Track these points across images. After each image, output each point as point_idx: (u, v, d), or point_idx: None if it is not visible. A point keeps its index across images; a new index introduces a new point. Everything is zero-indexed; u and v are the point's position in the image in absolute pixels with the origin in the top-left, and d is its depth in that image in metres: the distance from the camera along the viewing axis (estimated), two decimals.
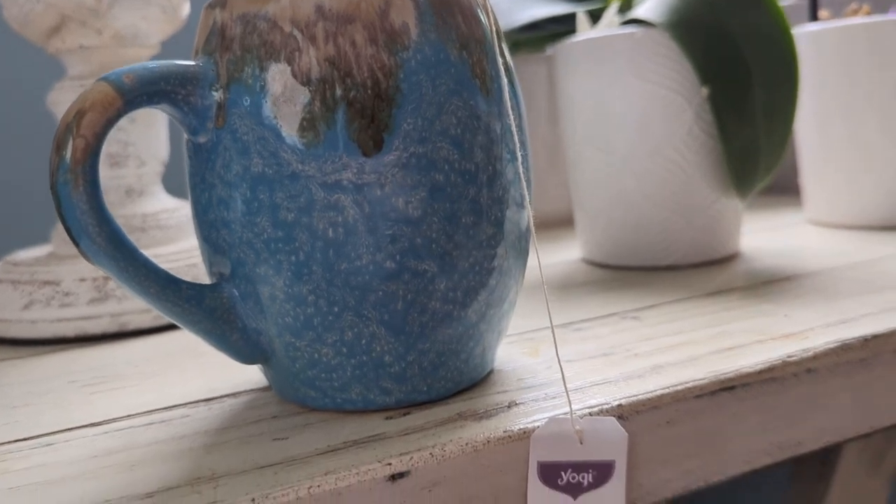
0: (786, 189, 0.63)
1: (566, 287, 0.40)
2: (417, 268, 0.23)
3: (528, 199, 0.25)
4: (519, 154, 0.25)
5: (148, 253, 0.40)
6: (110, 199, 0.42)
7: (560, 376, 0.27)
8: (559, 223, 0.60)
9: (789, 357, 0.27)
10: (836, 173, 0.49)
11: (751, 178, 0.41)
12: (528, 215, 0.26)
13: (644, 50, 0.40)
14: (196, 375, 0.31)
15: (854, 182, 0.49)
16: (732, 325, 0.31)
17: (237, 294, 0.24)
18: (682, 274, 0.41)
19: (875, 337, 0.29)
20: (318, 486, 0.21)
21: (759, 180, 0.41)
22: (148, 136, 0.42)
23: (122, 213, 0.42)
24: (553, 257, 0.48)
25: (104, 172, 0.42)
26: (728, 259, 0.43)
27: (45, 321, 0.38)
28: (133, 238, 0.41)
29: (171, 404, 0.28)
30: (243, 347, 0.25)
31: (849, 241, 0.46)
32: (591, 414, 0.24)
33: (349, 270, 0.23)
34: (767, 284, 0.37)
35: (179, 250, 0.41)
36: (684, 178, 0.41)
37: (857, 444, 0.56)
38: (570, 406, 0.24)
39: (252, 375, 0.30)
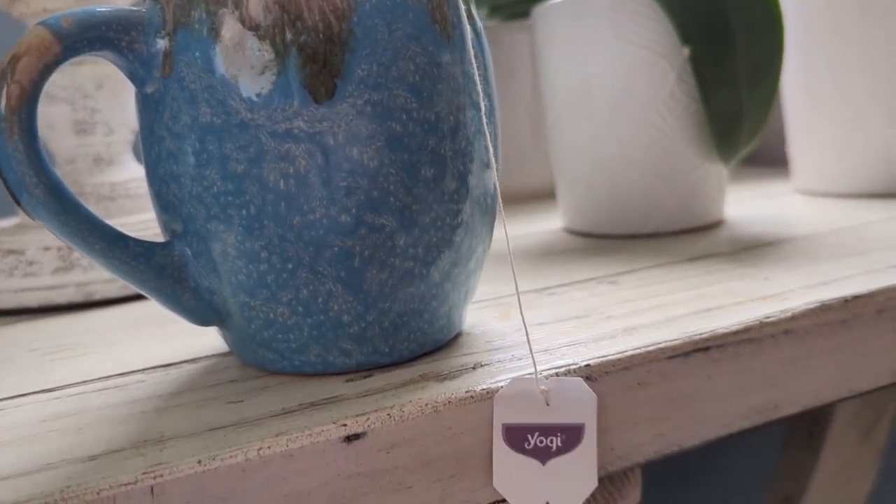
0: (774, 161, 0.62)
1: (545, 255, 0.39)
2: (375, 222, 0.22)
3: (492, 153, 0.24)
4: (483, 105, 0.24)
5: (117, 222, 0.39)
6: (78, 167, 0.41)
7: (533, 338, 0.26)
8: (543, 196, 0.59)
9: (767, 318, 0.27)
10: (824, 140, 0.48)
11: (734, 143, 0.40)
12: (495, 170, 0.25)
13: (624, 10, 0.39)
14: (159, 343, 0.30)
15: (842, 149, 0.48)
16: (711, 289, 0.30)
17: (189, 252, 0.23)
18: (664, 241, 0.40)
19: (856, 298, 0.28)
20: (269, 447, 0.20)
21: (743, 145, 0.40)
22: (116, 103, 0.41)
23: (90, 182, 0.41)
24: (534, 227, 0.47)
25: (71, 140, 0.40)
26: (712, 226, 0.42)
27: (8, 291, 0.37)
28: (101, 208, 0.40)
29: (128, 370, 0.27)
30: (196, 308, 0.24)
31: (835, 208, 0.45)
32: (558, 375, 0.23)
33: (302, 225, 0.22)
34: (750, 249, 0.37)
35: (149, 219, 0.40)
36: (666, 142, 0.40)
37: (847, 414, 0.55)
38: (535, 365, 0.23)
39: (215, 341, 0.29)
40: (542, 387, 0.23)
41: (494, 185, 0.25)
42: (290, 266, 0.22)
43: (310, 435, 0.21)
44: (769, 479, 0.56)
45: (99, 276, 0.37)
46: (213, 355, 0.28)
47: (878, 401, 0.56)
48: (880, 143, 0.47)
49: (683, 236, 0.41)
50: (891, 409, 0.57)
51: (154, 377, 0.26)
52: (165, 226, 0.24)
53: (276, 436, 0.21)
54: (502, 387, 0.23)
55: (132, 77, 0.23)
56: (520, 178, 0.59)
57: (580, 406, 0.23)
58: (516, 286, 0.23)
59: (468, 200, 0.24)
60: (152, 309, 0.36)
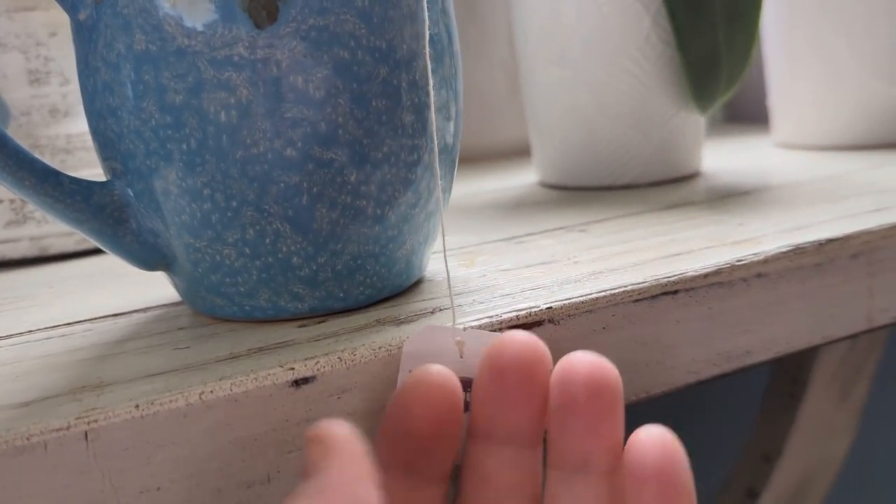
0: (756, 118, 0.61)
1: (517, 207, 0.38)
2: (323, 157, 0.21)
3: (453, 86, 0.23)
4: (445, 37, 0.23)
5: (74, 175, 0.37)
6: (33, 119, 0.39)
7: (496, 283, 0.25)
8: (520, 152, 0.58)
9: (738, 261, 0.26)
10: (805, 92, 0.47)
11: (712, 91, 0.39)
12: (455, 103, 0.24)
13: None
14: (112, 295, 0.29)
15: (822, 101, 0.47)
16: (683, 234, 0.29)
17: (130, 191, 0.22)
18: (640, 191, 0.39)
19: (830, 241, 0.27)
20: (212, 391, 0.19)
21: (720, 93, 0.39)
22: (71, 51, 0.39)
23: (45, 133, 0.39)
24: (509, 182, 0.46)
25: (25, 91, 0.39)
26: (688, 177, 0.41)
27: None
28: (58, 160, 0.39)
29: (75, 320, 0.26)
30: (139, 250, 0.23)
31: (815, 160, 0.44)
32: (517, 317, 0.22)
33: (246, 159, 0.21)
34: (726, 198, 0.36)
35: None
36: (642, 90, 0.39)
37: (825, 374, 0.55)
38: (454, 314, 0.22)
39: (169, 292, 0.28)
40: (458, 338, 0.21)
41: (457, 117, 0.24)
42: (234, 204, 0.21)
43: (255, 379, 0.20)
44: (747, 437, 0.56)
45: (54, 230, 0.36)
46: (165, 305, 0.27)
47: (857, 360, 0.56)
48: (861, 95, 0.46)
49: (659, 187, 0.40)
50: (869, 369, 0.56)
51: (101, 326, 0.25)
52: (105, 164, 0.23)
53: (220, 380, 0.20)
54: (409, 337, 0.21)
55: (63, 3, 0.21)
56: (497, 134, 0.58)
57: None
58: (441, 217, 0.22)
59: (425, 136, 0.23)
60: (109, 263, 0.35)
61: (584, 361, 0.20)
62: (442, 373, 0.19)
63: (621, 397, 0.20)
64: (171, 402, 0.19)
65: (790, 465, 0.57)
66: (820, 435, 0.57)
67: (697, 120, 0.41)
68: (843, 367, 0.55)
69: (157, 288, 0.29)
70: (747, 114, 0.63)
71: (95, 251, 0.37)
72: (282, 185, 0.21)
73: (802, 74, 0.47)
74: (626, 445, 0.20)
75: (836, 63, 0.46)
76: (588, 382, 0.19)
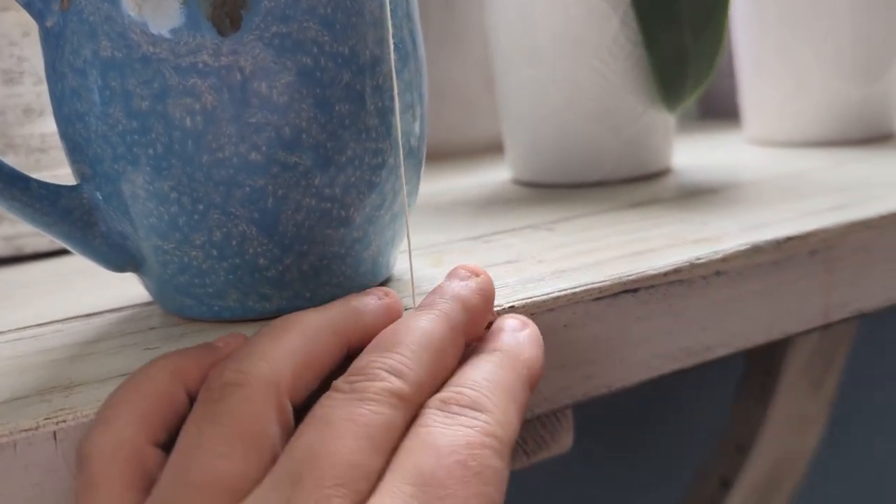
0: (727, 114, 0.62)
1: (487, 205, 0.39)
2: (287, 160, 0.21)
3: (418, 91, 0.24)
4: (409, 42, 0.23)
5: (48, 174, 0.38)
6: (8, 119, 0.40)
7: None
8: (495, 148, 0.58)
9: (698, 259, 0.26)
10: (775, 89, 0.48)
11: (679, 90, 0.40)
12: (420, 105, 0.24)
13: None
14: (85, 294, 0.29)
15: (792, 98, 0.48)
16: (647, 233, 0.30)
17: (98, 195, 0.23)
18: (609, 189, 0.40)
19: (789, 239, 0.28)
20: None
21: (688, 92, 0.40)
22: None
23: (20, 133, 0.39)
24: (481, 178, 0.47)
25: None
26: (658, 175, 0.42)
27: None
28: (33, 159, 0.39)
29: (46, 321, 0.26)
30: (109, 253, 0.23)
31: (784, 157, 0.45)
32: None
33: (211, 163, 0.21)
34: (694, 196, 0.36)
35: None
36: (611, 89, 0.39)
37: (798, 366, 0.56)
38: (414, 300, 0.22)
39: (142, 291, 0.29)
40: None
41: (421, 120, 0.24)
42: (201, 207, 0.21)
43: None
44: (721, 428, 0.57)
45: (28, 230, 0.36)
46: (137, 305, 0.27)
47: (828, 352, 0.57)
48: (830, 92, 0.47)
49: (630, 184, 0.40)
50: (840, 360, 0.57)
51: (72, 327, 0.26)
52: (74, 168, 0.23)
53: None
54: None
55: (30, 10, 0.22)
56: (473, 130, 0.58)
57: None
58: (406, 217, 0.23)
59: (389, 139, 0.23)
60: (84, 263, 0.35)
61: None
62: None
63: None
64: None
65: (763, 456, 0.58)
66: (792, 426, 0.58)
67: (667, 118, 0.41)
68: (815, 359, 0.56)
69: (130, 287, 0.29)
70: (720, 110, 0.64)
71: (70, 251, 0.37)
72: (247, 188, 0.21)
73: (769, 74, 0.48)
74: None
75: (801, 64, 0.47)
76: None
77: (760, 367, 0.56)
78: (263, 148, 0.21)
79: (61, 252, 0.37)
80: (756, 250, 0.27)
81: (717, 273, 0.27)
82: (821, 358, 0.57)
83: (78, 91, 0.21)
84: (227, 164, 0.21)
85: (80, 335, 0.25)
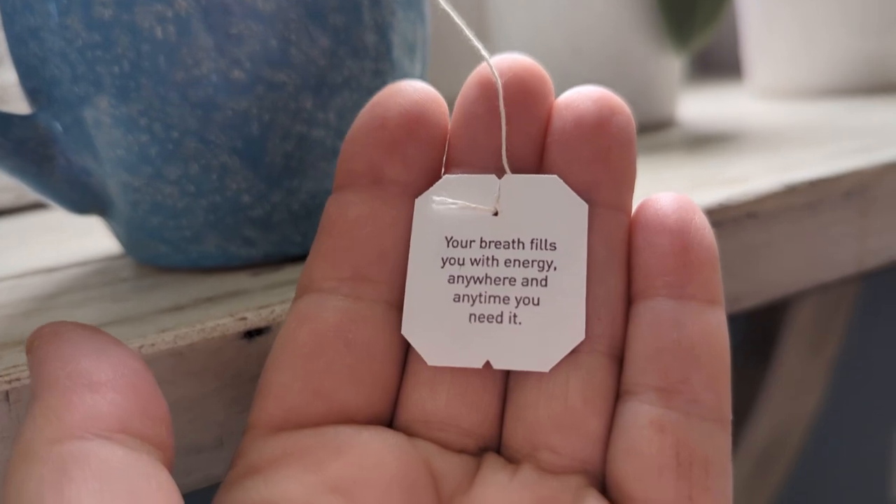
0: (728, 69, 0.60)
1: None
2: (274, 79, 0.18)
3: (422, 9, 0.21)
4: None
5: None
6: None
7: None
8: None
9: (729, 200, 0.24)
10: (781, 38, 0.46)
11: (687, 30, 0.37)
12: (422, 27, 0.21)
13: None
14: (46, 249, 0.27)
15: (798, 49, 0.45)
16: (666, 174, 0.28)
17: (58, 125, 0.20)
18: None
19: (822, 180, 0.26)
20: (152, 345, 0.17)
21: (696, 32, 0.37)
22: None
23: None
24: None
25: None
26: (664, 124, 0.40)
27: None
28: None
29: (2, 276, 0.24)
30: (69, 191, 0.20)
31: (795, 107, 0.43)
32: None
33: (187, 82, 0.18)
34: (707, 142, 0.34)
35: None
36: (616, 34, 0.37)
37: (797, 329, 0.54)
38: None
39: (112, 245, 0.26)
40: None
41: (425, 39, 0.21)
42: (175, 135, 0.19)
43: (202, 330, 0.18)
44: None
45: None
46: (106, 258, 0.24)
47: (828, 314, 0.55)
48: (840, 40, 0.44)
49: (639, 134, 0.38)
50: (840, 324, 0.56)
51: (32, 282, 0.23)
52: (29, 95, 0.20)
53: (162, 332, 0.17)
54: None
55: None
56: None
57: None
58: None
59: (389, 60, 0.20)
60: (51, 218, 0.32)
61: (593, 90, 0.17)
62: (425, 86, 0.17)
63: (634, 133, 0.17)
64: None
65: (762, 422, 0.57)
66: (792, 390, 0.56)
67: (673, 65, 0.39)
68: (815, 322, 0.55)
69: (100, 241, 0.27)
70: (719, 66, 0.62)
71: (38, 206, 0.34)
72: (228, 112, 0.18)
73: (778, 23, 0.46)
74: (638, 206, 0.17)
75: (811, 12, 0.44)
76: (599, 107, 0.16)
77: (759, 331, 0.54)
78: (246, 64, 0.18)
79: (27, 208, 0.34)
80: (790, 191, 0.25)
81: (749, 215, 0.24)
82: (821, 321, 0.55)
83: (30, 2, 0.18)
84: (205, 84, 0.18)
85: (40, 290, 0.22)
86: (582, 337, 0.16)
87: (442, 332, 0.16)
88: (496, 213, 0.16)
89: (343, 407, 0.15)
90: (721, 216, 0.24)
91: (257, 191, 0.19)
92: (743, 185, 0.25)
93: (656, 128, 0.39)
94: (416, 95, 0.16)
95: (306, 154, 0.19)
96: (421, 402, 0.16)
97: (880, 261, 0.28)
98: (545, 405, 0.16)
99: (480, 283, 0.16)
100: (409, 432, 0.16)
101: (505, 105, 0.16)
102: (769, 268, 0.25)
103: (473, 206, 0.16)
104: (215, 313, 0.18)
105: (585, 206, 0.16)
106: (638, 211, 0.17)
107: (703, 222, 0.16)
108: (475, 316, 0.16)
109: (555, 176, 0.16)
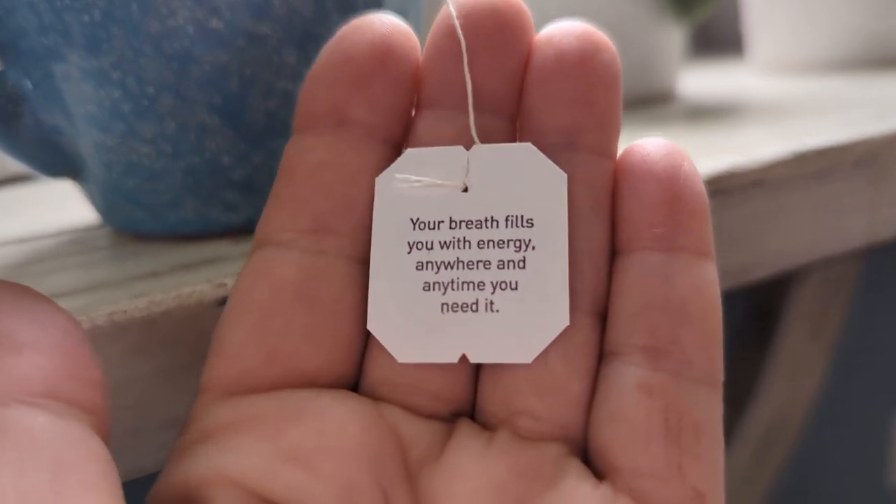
0: (728, 46, 0.59)
1: None
2: (255, 31, 0.17)
3: None
4: None
5: None
6: None
7: None
8: None
9: (736, 167, 0.23)
10: (784, 12, 0.45)
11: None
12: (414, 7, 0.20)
13: None
14: (24, 221, 0.25)
15: (801, 23, 0.44)
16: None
17: (27, 82, 0.18)
18: None
19: (832, 148, 0.25)
20: (125, 311, 0.16)
21: (698, 2, 0.36)
22: None
23: None
24: None
25: None
26: (663, 97, 0.39)
27: None
28: None
29: None
30: (39, 152, 0.19)
31: (795, 81, 0.42)
32: None
33: (162, 34, 0.17)
34: (709, 113, 0.33)
35: None
36: (618, 2, 0.36)
37: (797, 310, 0.53)
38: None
39: (89, 216, 0.25)
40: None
41: (415, 26, 0.20)
42: (149, 90, 0.17)
43: (178, 297, 0.16)
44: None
45: None
46: (84, 229, 0.23)
47: (830, 296, 0.54)
48: (839, 16, 0.43)
49: (635, 106, 0.37)
50: (840, 304, 0.55)
51: (3, 251, 0.22)
52: None
53: (135, 298, 0.16)
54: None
55: None
56: None
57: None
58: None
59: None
60: (29, 192, 0.31)
61: (577, 25, 0.15)
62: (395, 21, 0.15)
63: (619, 72, 0.15)
64: None
65: (762, 405, 0.56)
66: (792, 372, 0.56)
67: (674, 36, 0.38)
68: (815, 303, 0.54)
69: (78, 214, 0.25)
70: (719, 42, 0.61)
71: (15, 180, 0.33)
72: (206, 66, 0.17)
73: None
74: (623, 152, 0.15)
75: None
76: (583, 43, 0.15)
77: (759, 311, 0.53)
78: (226, 14, 0.17)
79: (8, 181, 0.33)
80: (798, 159, 0.24)
81: (757, 183, 0.23)
82: (821, 302, 0.54)
83: None
84: (182, 35, 0.17)
85: (11, 259, 0.21)
86: (566, 323, 0.14)
87: (412, 325, 0.15)
88: (466, 189, 0.15)
89: (302, 369, 0.14)
90: (728, 184, 0.23)
91: (238, 151, 0.18)
92: (751, 152, 0.24)
93: (655, 100, 0.38)
94: (385, 29, 0.15)
95: (290, 112, 0.18)
96: (388, 363, 0.15)
97: (891, 232, 0.27)
98: (524, 368, 0.14)
99: (452, 268, 0.15)
100: (374, 396, 0.15)
101: (480, 40, 0.15)
102: (777, 238, 0.24)
103: (440, 182, 0.15)
104: (192, 280, 0.17)
105: (564, 177, 0.15)
106: (623, 157, 0.15)
107: (693, 169, 0.15)
108: (448, 305, 0.15)
109: (529, 144, 0.15)
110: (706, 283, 0.15)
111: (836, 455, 0.64)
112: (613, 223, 0.15)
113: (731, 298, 0.23)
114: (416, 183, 0.15)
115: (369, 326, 0.15)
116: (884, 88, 0.36)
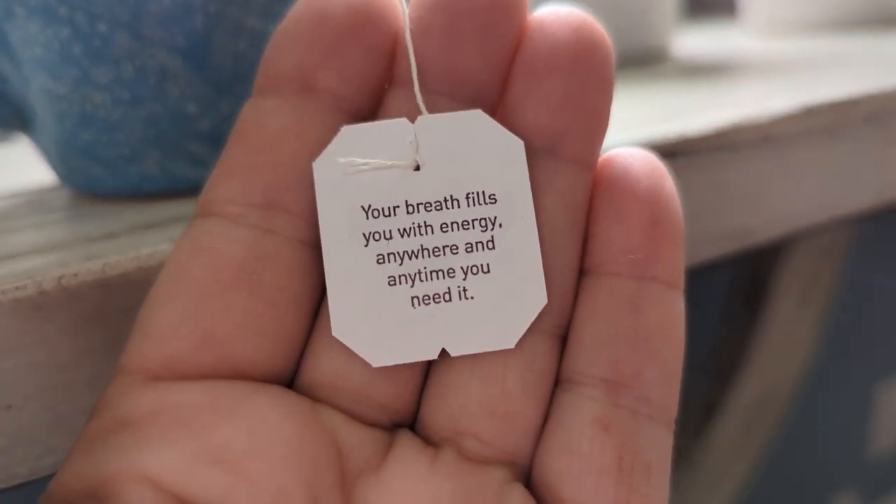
0: (720, 9, 0.57)
1: None
2: None
3: None
4: None
5: None
6: None
7: None
8: None
9: (742, 121, 0.21)
10: None
11: None
12: None
13: None
14: None
15: None
16: (673, 100, 0.25)
17: None
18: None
19: (842, 103, 0.23)
20: (75, 274, 0.14)
21: None
22: None
23: None
24: None
25: None
26: (656, 56, 0.37)
27: None
28: None
29: None
30: None
31: (792, 42, 0.40)
32: None
33: None
34: (707, 70, 0.31)
35: None
36: None
37: (785, 281, 0.52)
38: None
39: (47, 177, 0.23)
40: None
41: None
42: (102, 28, 0.16)
43: (136, 258, 0.15)
44: (706, 352, 0.53)
45: None
46: (41, 191, 0.21)
47: (820, 263, 0.53)
48: None
49: (629, 65, 0.35)
50: (830, 273, 0.54)
51: None
52: None
53: (88, 260, 0.15)
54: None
55: None
56: None
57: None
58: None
59: None
60: None
61: (573, 15, 0.14)
62: None
63: (613, 74, 0.14)
64: (17, 290, 0.14)
65: (750, 379, 0.55)
66: (781, 345, 0.55)
67: None
68: (803, 275, 0.53)
69: (36, 176, 0.24)
70: (712, 6, 0.59)
71: None
72: (166, 0, 0.15)
73: None
74: (602, 161, 0.14)
75: None
76: (579, 37, 0.13)
77: (748, 280, 0.52)
78: None
79: None
80: (807, 113, 0.22)
81: (766, 138, 0.22)
82: (809, 273, 0.53)
83: None
84: None
85: None
86: (545, 301, 0.13)
87: (382, 325, 0.13)
88: (418, 168, 0.13)
89: (237, 359, 0.13)
90: (734, 138, 0.21)
91: (204, 98, 0.17)
92: (758, 106, 0.22)
93: (648, 60, 0.36)
94: None
95: (260, 55, 0.17)
96: (333, 365, 0.13)
97: None
98: (478, 388, 0.13)
99: (417, 257, 0.13)
100: (313, 397, 0.13)
101: (467, 18, 0.13)
102: (785, 197, 0.23)
103: (389, 162, 0.13)
104: (152, 240, 0.15)
105: (521, 143, 0.13)
106: (603, 167, 0.14)
107: (673, 189, 0.14)
108: (418, 298, 0.13)
109: (479, 111, 0.13)
110: (674, 317, 0.14)
111: (825, 424, 0.63)
112: (586, 238, 0.14)
113: (721, 268, 0.22)
114: (363, 165, 0.13)
115: (335, 333, 0.13)
116: (886, 47, 0.35)
